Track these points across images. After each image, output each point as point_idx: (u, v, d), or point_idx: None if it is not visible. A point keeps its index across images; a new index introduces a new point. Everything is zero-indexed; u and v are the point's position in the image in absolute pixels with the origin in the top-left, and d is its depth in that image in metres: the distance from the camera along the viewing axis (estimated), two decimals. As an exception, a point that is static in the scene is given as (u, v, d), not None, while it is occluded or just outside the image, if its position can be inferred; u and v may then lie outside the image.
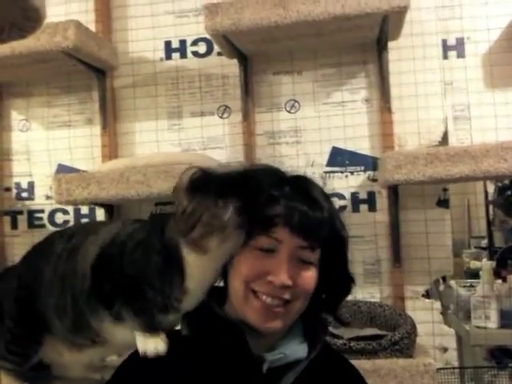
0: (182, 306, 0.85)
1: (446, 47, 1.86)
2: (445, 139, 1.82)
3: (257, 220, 0.81)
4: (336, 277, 0.87)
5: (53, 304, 0.91)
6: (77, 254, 0.91)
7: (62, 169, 2.04)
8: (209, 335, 0.83)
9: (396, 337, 1.55)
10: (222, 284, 0.90)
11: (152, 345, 0.84)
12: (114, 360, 1.01)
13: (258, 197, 0.82)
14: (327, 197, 0.88)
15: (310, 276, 0.83)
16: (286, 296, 0.81)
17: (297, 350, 0.85)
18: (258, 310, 0.81)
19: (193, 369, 0.82)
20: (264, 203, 0.81)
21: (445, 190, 1.83)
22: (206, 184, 0.80)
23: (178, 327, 0.90)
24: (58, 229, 1.88)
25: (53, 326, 0.92)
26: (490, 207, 3.52)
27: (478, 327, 1.86)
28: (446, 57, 1.86)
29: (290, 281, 0.80)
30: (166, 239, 0.83)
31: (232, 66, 1.93)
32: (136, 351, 0.86)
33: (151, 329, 0.85)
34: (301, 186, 0.86)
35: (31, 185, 2.09)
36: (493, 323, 1.88)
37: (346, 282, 0.89)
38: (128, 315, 0.86)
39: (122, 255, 0.86)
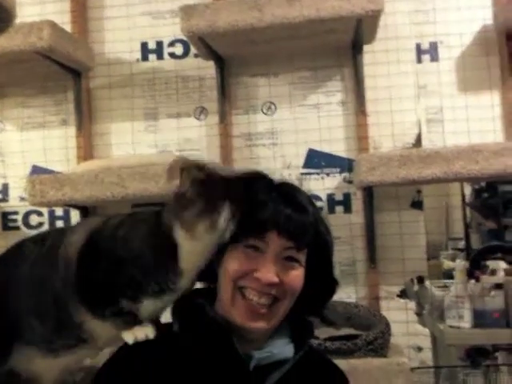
0: (177, 287, 0.87)
1: (419, 51, 1.89)
2: (418, 142, 1.85)
3: (246, 222, 0.84)
4: (321, 279, 0.90)
5: (32, 307, 0.90)
6: (56, 252, 0.91)
7: (37, 170, 2.02)
8: (197, 333, 0.86)
9: (370, 336, 1.56)
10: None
11: (140, 331, 0.86)
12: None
13: (248, 200, 0.85)
14: (312, 202, 0.92)
15: (296, 275, 0.86)
16: (273, 292, 0.84)
17: (284, 349, 0.88)
18: (244, 311, 0.84)
19: (181, 364, 0.84)
20: (253, 207, 0.85)
21: (418, 191, 1.85)
22: (210, 180, 0.83)
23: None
24: (33, 231, 1.86)
25: (30, 333, 0.91)
26: (468, 209, 3.57)
27: (451, 327, 1.88)
28: (419, 60, 1.89)
29: (277, 278, 0.84)
30: (160, 222, 0.86)
31: (209, 68, 1.94)
32: (122, 347, 0.88)
33: (134, 323, 0.87)
34: (287, 191, 0.90)
35: (5, 186, 2.06)
36: (466, 323, 1.90)
37: (331, 284, 0.92)
38: (109, 318, 0.88)
39: (115, 239, 0.87)
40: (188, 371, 0.83)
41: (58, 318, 0.89)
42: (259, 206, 0.85)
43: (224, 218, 0.82)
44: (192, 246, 0.85)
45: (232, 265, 0.85)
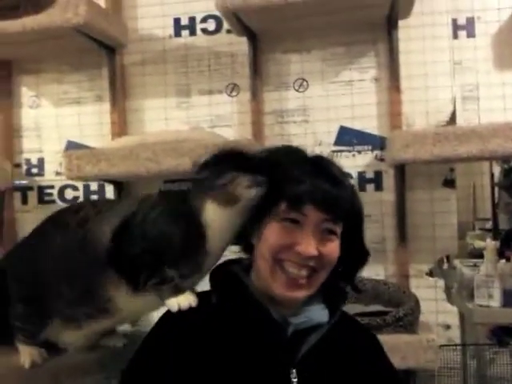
0: (204, 268, 0.93)
1: (456, 26, 1.86)
2: (453, 119, 1.82)
3: (284, 196, 0.87)
4: (355, 249, 0.94)
5: (62, 275, 0.95)
6: (87, 225, 0.95)
7: (72, 145, 2.06)
8: (235, 303, 0.90)
9: (400, 313, 1.58)
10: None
11: (183, 300, 0.91)
12: (125, 327, 1.05)
13: (285, 176, 0.88)
14: (345, 175, 0.95)
15: (333, 247, 0.89)
16: (312, 263, 0.88)
17: (319, 314, 0.92)
18: (284, 282, 0.88)
19: (221, 333, 0.88)
20: (291, 181, 0.87)
21: (451, 170, 1.84)
22: (241, 159, 0.88)
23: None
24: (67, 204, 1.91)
25: (57, 300, 0.97)
26: (496, 189, 3.52)
27: (480, 306, 1.88)
28: (455, 36, 1.86)
29: (316, 251, 0.87)
30: (188, 205, 0.91)
31: (241, 44, 1.93)
32: (165, 315, 0.92)
33: (177, 291, 0.92)
34: (322, 165, 0.92)
35: (41, 161, 2.11)
36: (496, 302, 1.89)
37: (364, 255, 0.96)
38: (152, 288, 0.93)
39: (144, 223, 0.92)
40: (228, 340, 0.87)
41: (86, 288, 0.95)
42: (296, 179, 0.87)
43: (245, 185, 0.86)
44: (220, 224, 0.90)
45: (272, 238, 0.88)
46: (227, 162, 0.87)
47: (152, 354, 0.87)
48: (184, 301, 0.90)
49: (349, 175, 0.96)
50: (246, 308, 0.89)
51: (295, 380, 0.86)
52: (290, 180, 0.87)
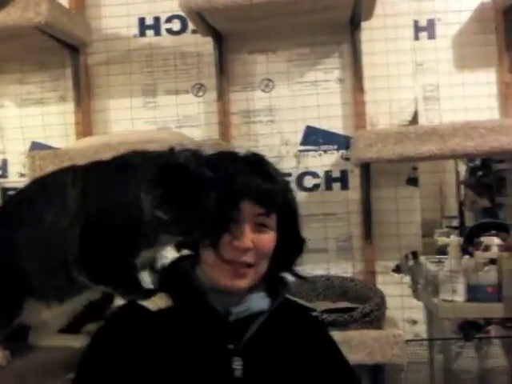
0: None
1: (417, 28, 1.89)
2: (415, 119, 1.86)
3: (221, 196, 0.90)
4: (291, 239, 1.00)
5: (43, 267, 0.97)
6: (45, 220, 0.96)
7: (36, 146, 2.02)
8: (180, 296, 0.95)
9: (366, 309, 1.60)
10: None
11: (160, 301, 0.95)
12: (91, 328, 1.05)
13: (219, 175, 0.91)
14: (279, 171, 1.01)
15: (267, 238, 0.95)
16: (249, 259, 0.93)
17: (259, 303, 0.98)
18: (228, 274, 0.93)
19: (168, 326, 0.92)
20: (226, 180, 0.91)
21: (414, 168, 1.87)
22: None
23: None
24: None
25: (43, 287, 0.98)
26: (462, 187, 3.61)
27: (445, 301, 1.93)
28: (417, 38, 1.89)
29: (252, 244, 0.93)
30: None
31: (207, 44, 1.93)
32: (111, 317, 0.96)
33: (146, 297, 0.95)
34: (253, 162, 0.98)
35: (5, 162, 2.07)
36: (460, 297, 1.95)
37: (300, 243, 1.02)
38: (123, 295, 0.98)
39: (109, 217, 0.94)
40: (174, 332, 0.91)
41: (68, 274, 0.96)
42: (229, 178, 0.91)
43: None
44: None
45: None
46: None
47: (102, 348, 0.91)
48: (162, 302, 0.94)
49: (280, 172, 1.02)
50: (190, 300, 0.94)
51: (239, 367, 0.90)
52: (225, 179, 0.91)
